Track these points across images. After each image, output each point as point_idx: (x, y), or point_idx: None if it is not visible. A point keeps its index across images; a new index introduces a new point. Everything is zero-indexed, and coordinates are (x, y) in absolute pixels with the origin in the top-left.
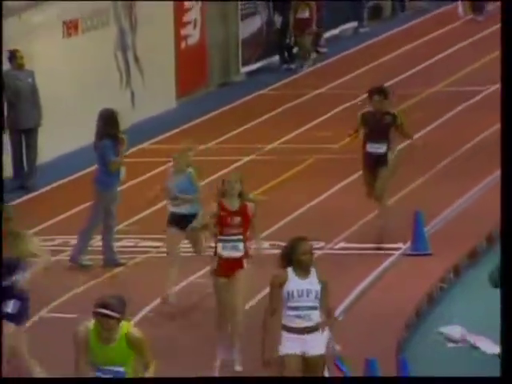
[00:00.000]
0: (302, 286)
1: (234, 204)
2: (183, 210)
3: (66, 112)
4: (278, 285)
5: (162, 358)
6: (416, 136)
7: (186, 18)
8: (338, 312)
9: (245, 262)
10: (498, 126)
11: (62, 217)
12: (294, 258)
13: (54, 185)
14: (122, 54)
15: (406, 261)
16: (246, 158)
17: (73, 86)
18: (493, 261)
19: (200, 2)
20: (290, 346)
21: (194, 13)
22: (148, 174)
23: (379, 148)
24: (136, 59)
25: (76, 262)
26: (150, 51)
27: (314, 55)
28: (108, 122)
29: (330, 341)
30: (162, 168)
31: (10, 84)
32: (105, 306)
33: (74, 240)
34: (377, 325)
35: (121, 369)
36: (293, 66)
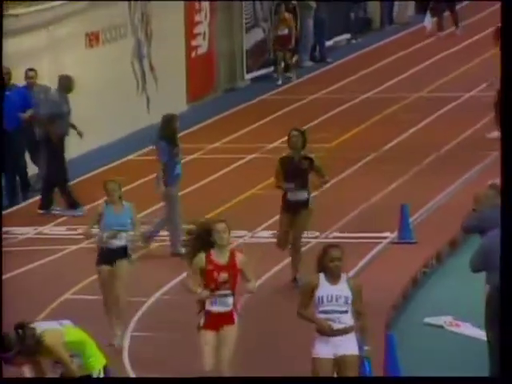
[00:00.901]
0: (332, 292)
1: (223, 256)
2: (114, 244)
3: (89, 115)
4: (309, 290)
5: (181, 335)
6: (405, 135)
7: (196, 31)
8: None
9: (235, 316)
10: (475, 127)
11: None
12: (324, 263)
13: (79, 179)
14: (138, 63)
15: (393, 248)
16: (250, 156)
17: (94, 91)
18: (472, 249)
19: (208, 17)
20: (323, 348)
21: (203, 26)
22: None
23: (300, 195)
24: (151, 68)
25: (176, 253)
26: (164, 60)
27: (294, 71)
28: (166, 126)
29: (361, 341)
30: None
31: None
32: None
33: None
34: (367, 306)
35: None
36: (290, 75)
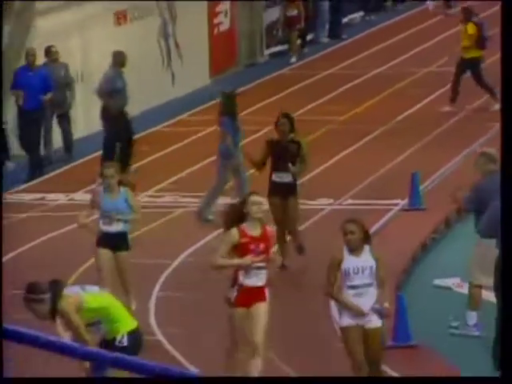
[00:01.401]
0: (357, 264)
1: (256, 229)
2: (113, 228)
3: None
4: (336, 264)
5: (205, 296)
6: (414, 108)
7: (218, 9)
8: None
9: (267, 293)
10: (481, 100)
11: (175, 178)
12: (344, 238)
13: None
14: (164, 41)
15: (404, 215)
16: (267, 128)
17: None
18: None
19: None
20: (351, 318)
21: (225, 4)
22: (185, 141)
23: (286, 177)
24: (176, 45)
25: (201, 216)
26: (188, 37)
27: (305, 49)
28: (227, 102)
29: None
30: (198, 135)
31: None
32: None
33: (182, 198)
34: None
35: None
36: (304, 51)
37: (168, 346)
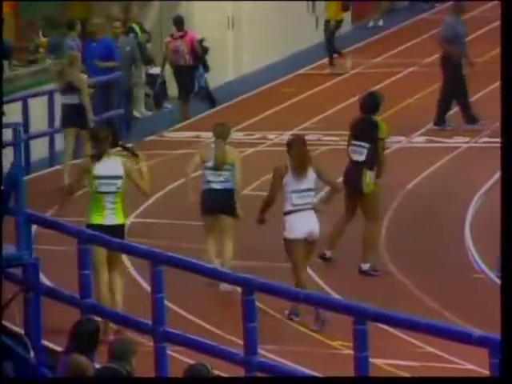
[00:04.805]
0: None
1: None
2: (219, 185)
3: (264, 30)
4: (279, 176)
5: None
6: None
7: None
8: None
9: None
10: None
11: (259, 117)
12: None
13: (238, 99)
14: None
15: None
16: (408, 70)
17: (275, 11)
18: None
19: None
20: (297, 229)
21: None
22: (328, 83)
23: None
24: None
25: None
26: None
27: None
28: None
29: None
30: (339, 78)
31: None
32: None
33: (271, 135)
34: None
35: None
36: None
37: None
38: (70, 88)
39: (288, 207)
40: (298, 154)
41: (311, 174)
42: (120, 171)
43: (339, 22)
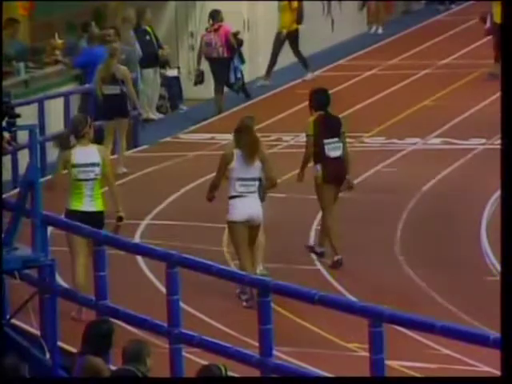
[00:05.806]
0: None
1: None
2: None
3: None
4: (224, 163)
5: None
6: None
7: None
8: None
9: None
10: None
11: (275, 119)
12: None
13: (254, 100)
14: None
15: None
16: (423, 72)
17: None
18: None
19: None
20: (238, 213)
21: None
22: (343, 85)
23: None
24: None
25: None
26: None
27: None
28: None
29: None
30: (354, 80)
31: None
32: None
33: (286, 136)
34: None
35: None
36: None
37: None
38: (113, 79)
39: (232, 193)
40: (247, 142)
41: (258, 163)
42: (97, 158)
43: (293, 32)
